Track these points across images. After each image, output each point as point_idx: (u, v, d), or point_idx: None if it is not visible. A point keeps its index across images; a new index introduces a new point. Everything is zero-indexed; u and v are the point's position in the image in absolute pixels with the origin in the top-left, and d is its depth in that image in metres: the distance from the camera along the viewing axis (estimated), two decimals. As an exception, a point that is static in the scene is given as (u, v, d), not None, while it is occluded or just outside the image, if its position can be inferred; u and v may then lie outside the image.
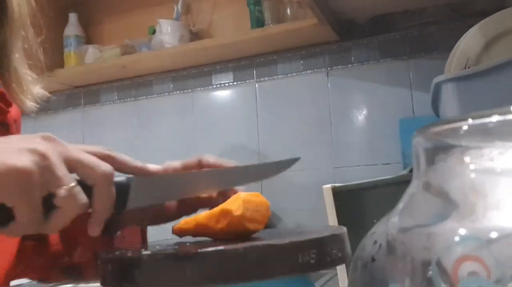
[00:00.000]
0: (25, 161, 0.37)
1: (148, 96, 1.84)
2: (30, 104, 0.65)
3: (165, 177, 0.51)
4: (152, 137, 1.81)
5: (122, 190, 0.45)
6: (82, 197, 0.40)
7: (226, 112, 1.72)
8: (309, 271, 0.41)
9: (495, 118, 0.26)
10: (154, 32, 1.71)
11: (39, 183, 0.38)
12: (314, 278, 1.21)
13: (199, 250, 0.39)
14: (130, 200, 0.45)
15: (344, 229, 0.47)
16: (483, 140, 0.27)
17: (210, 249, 0.39)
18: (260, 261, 0.39)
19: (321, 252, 0.41)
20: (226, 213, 0.46)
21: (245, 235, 0.47)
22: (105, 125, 1.89)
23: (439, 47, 1.45)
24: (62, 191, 0.39)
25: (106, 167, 0.42)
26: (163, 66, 1.76)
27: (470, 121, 0.27)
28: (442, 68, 0.93)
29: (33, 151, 0.38)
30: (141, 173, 0.49)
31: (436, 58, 1.44)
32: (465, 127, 0.27)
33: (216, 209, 0.47)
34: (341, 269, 0.89)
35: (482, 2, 1.39)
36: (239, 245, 0.39)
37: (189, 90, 1.78)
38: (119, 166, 0.46)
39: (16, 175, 0.37)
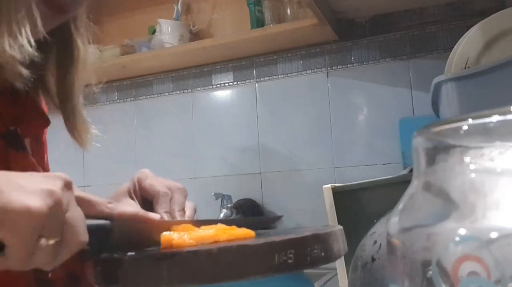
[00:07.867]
0: (39, 203, 0.36)
1: (148, 96, 1.84)
2: (90, 143, 0.67)
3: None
4: (152, 137, 1.81)
5: (101, 234, 0.44)
6: (58, 255, 0.39)
7: (226, 112, 1.71)
8: (287, 271, 0.41)
9: (495, 118, 0.26)
10: (154, 32, 1.71)
11: (42, 227, 0.37)
12: (314, 278, 1.21)
13: (174, 252, 0.40)
14: (107, 246, 0.44)
15: (334, 228, 0.47)
16: (483, 140, 0.27)
17: (185, 250, 0.40)
18: (234, 261, 0.39)
19: (299, 252, 0.41)
20: None
21: None
22: (105, 125, 1.88)
23: (439, 47, 1.45)
24: (43, 241, 0.37)
25: (84, 238, 0.41)
26: (163, 66, 1.76)
27: (470, 121, 0.27)
28: (442, 68, 0.93)
29: (51, 194, 0.37)
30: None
31: (436, 58, 1.44)
32: (465, 127, 0.27)
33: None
34: (341, 269, 0.89)
35: (482, 2, 1.39)
36: (214, 246, 0.40)
37: (189, 90, 1.78)
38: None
39: (28, 216, 0.35)
